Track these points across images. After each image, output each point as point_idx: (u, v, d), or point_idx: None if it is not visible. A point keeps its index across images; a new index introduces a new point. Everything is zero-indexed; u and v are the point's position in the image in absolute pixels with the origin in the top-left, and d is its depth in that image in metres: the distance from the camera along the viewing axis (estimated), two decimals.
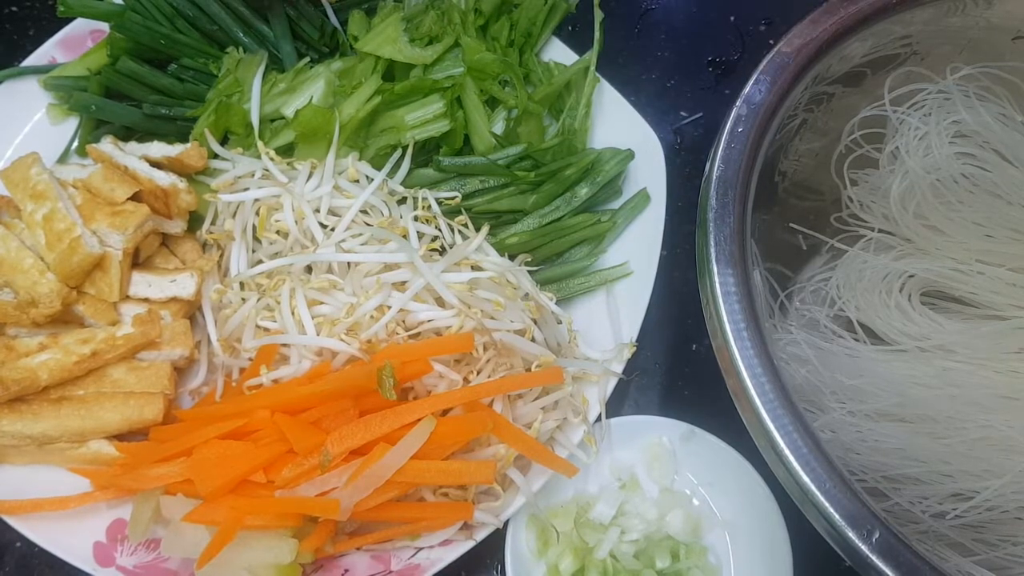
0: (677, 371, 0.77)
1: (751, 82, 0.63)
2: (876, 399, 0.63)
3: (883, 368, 0.65)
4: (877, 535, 0.49)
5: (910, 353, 0.67)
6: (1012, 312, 0.69)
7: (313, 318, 0.64)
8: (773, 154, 0.69)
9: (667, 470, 0.69)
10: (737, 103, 0.62)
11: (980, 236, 0.69)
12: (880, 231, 0.71)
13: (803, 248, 0.74)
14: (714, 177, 0.58)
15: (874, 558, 0.48)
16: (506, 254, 0.70)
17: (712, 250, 0.56)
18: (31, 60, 0.78)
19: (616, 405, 0.70)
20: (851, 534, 0.49)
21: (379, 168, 0.71)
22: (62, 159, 0.76)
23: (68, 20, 0.79)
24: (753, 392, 0.52)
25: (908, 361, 0.66)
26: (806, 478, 0.50)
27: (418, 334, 0.64)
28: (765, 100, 0.62)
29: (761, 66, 0.63)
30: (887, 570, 0.48)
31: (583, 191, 0.73)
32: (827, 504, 0.49)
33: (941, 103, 0.69)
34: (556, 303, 0.70)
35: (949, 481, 0.62)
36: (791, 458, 0.51)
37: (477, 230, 0.69)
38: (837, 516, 0.49)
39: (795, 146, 0.74)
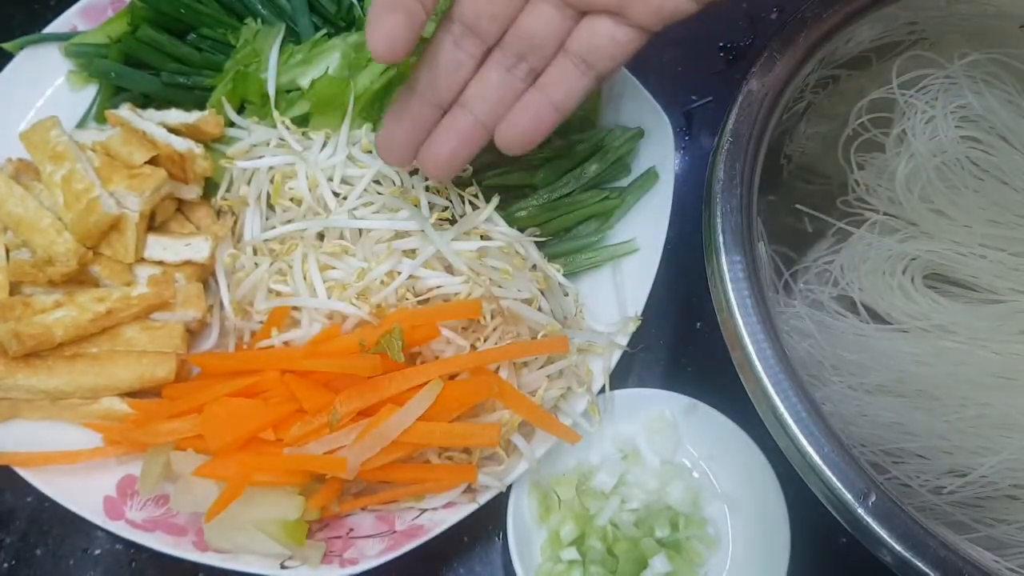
0: (681, 348, 0.77)
1: (761, 60, 0.64)
2: (876, 374, 0.64)
3: (884, 345, 0.66)
4: (873, 498, 0.50)
5: (911, 332, 0.68)
6: (1012, 296, 0.70)
7: (324, 282, 0.65)
8: (779, 137, 0.70)
9: (668, 442, 0.70)
10: (748, 80, 0.63)
11: (983, 221, 0.70)
12: (885, 214, 0.72)
13: (808, 231, 0.75)
14: (723, 150, 0.59)
15: (869, 520, 0.49)
16: (515, 227, 0.71)
17: (719, 220, 0.58)
18: (52, 28, 0.79)
19: (620, 378, 0.70)
20: (848, 496, 0.50)
21: None
22: (81, 125, 0.77)
23: None
24: (755, 357, 0.53)
25: (909, 340, 0.67)
26: (805, 442, 0.51)
27: (427, 300, 0.65)
28: (775, 77, 0.63)
29: (771, 44, 0.65)
30: (882, 533, 0.49)
31: (592, 168, 0.74)
32: (824, 467, 0.51)
33: (948, 87, 0.69)
34: (563, 276, 0.71)
35: (947, 457, 0.63)
36: (791, 422, 0.52)
37: (487, 202, 0.70)
38: (834, 479, 0.50)
39: (801, 129, 0.75)
